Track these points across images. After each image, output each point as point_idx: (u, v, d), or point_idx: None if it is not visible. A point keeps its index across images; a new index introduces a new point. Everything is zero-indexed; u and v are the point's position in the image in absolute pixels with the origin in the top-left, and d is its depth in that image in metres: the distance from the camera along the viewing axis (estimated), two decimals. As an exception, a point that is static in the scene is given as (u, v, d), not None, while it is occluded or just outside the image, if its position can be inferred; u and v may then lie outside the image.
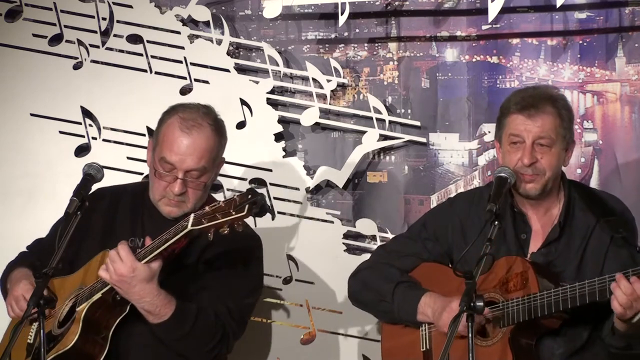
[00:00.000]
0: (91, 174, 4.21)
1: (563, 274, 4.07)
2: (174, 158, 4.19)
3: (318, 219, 5.14)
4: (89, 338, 4.02)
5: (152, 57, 5.31)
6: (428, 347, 4.22)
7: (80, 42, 5.36)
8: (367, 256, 4.90)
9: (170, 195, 4.21)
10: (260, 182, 5.21)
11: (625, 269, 3.81)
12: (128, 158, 5.27)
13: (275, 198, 5.18)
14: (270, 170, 5.21)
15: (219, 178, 5.21)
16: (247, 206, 3.72)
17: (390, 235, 5.01)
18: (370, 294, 4.35)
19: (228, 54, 5.28)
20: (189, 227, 3.85)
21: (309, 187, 5.19)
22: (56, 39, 5.39)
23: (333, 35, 5.24)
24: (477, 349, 3.63)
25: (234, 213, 3.74)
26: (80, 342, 4.00)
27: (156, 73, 5.31)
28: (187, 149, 4.19)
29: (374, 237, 5.12)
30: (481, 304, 3.60)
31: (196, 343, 4.15)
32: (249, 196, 3.73)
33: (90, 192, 4.28)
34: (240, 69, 5.28)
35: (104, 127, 5.32)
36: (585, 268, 4.08)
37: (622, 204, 4.23)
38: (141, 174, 5.11)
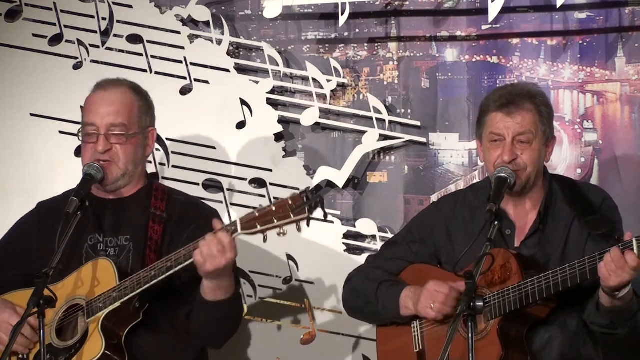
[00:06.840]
0: (91, 174, 4.20)
1: (548, 263, 4.08)
2: (93, 116, 4.25)
3: (318, 219, 5.13)
4: (111, 345, 4.03)
5: (152, 57, 5.31)
6: (421, 347, 4.23)
7: (80, 42, 5.36)
8: (367, 256, 4.90)
9: (97, 156, 4.21)
10: (260, 182, 5.22)
11: None
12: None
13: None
14: (270, 170, 5.21)
15: (219, 178, 5.22)
16: (307, 208, 3.78)
17: (390, 235, 5.00)
18: (358, 299, 4.38)
19: (228, 54, 5.28)
20: (239, 232, 3.87)
21: (309, 187, 5.18)
22: (56, 39, 5.39)
23: (333, 35, 5.24)
24: (466, 343, 3.64)
25: (292, 216, 3.78)
26: (108, 351, 4.00)
27: (156, 73, 5.31)
28: (104, 102, 4.25)
29: (374, 237, 5.12)
30: (481, 304, 3.61)
31: (234, 324, 4.21)
32: (305, 198, 3.79)
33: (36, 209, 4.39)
34: (240, 69, 5.28)
35: (104, 127, 5.33)
36: (569, 255, 4.08)
37: (602, 193, 4.23)
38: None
